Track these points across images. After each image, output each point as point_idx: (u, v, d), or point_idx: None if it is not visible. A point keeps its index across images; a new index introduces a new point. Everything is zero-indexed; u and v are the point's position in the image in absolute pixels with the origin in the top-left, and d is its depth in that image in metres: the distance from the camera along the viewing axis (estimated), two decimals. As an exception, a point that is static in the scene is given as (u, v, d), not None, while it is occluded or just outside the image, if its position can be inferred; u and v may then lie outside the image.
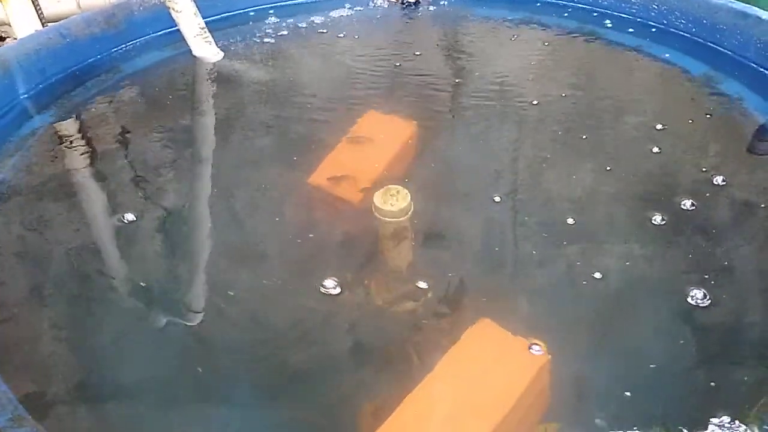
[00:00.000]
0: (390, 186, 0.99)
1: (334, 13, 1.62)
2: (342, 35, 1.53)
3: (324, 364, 0.79)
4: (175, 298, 0.88)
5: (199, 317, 0.84)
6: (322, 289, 0.87)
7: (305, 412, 0.74)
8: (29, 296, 0.86)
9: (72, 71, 1.34)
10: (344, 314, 0.86)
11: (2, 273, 0.89)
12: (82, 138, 1.22)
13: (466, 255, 0.95)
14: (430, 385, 0.73)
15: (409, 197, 0.97)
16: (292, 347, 0.82)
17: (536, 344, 0.77)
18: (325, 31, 1.56)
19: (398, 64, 1.43)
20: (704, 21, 1.39)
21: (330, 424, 0.73)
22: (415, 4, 1.66)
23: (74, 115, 1.25)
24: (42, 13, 1.43)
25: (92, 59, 1.37)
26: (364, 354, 0.80)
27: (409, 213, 0.98)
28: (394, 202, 0.97)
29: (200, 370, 0.77)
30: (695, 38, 1.41)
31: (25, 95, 1.25)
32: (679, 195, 1.02)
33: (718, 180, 1.05)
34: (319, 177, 1.08)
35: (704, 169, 1.09)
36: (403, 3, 1.67)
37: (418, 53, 1.47)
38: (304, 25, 1.58)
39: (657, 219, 0.97)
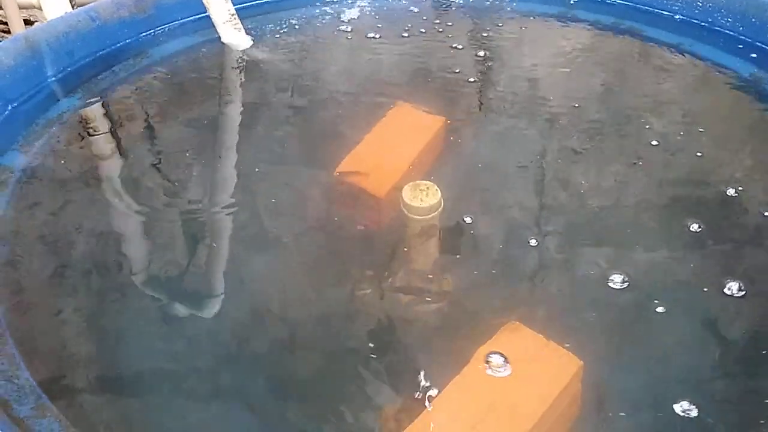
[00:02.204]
0: (419, 181, 0.96)
1: (366, 4, 1.59)
2: (373, 27, 1.51)
3: (347, 362, 0.78)
4: (197, 288, 0.86)
5: (220, 308, 0.83)
6: (347, 286, 0.85)
7: (328, 411, 0.72)
8: (52, 282, 0.85)
9: (100, 55, 1.33)
10: (369, 312, 0.84)
11: (27, 258, 0.88)
12: (108, 122, 1.22)
13: (496, 256, 0.92)
14: (458, 387, 0.71)
15: (440, 194, 0.94)
16: (314, 344, 0.80)
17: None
18: (356, 22, 1.53)
19: (428, 58, 1.40)
20: (753, 19, 1.33)
21: (354, 423, 0.71)
22: None
23: (101, 99, 1.25)
24: (72, -5, 1.42)
25: (120, 43, 1.36)
26: (388, 353, 0.78)
27: (439, 210, 0.95)
28: (424, 197, 0.94)
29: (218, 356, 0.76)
30: (742, 37, 1.36)
31: (53, 78, 1.24)
32: (717, 198, 0.98)
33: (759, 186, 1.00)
34: (345, 169, 1.06)
35: (747, 174, 1.04)
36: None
37: (449, 47, 1.44)
38: (335, 15, 1.56)
39: (693, 226, 0.93)
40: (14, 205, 0.95)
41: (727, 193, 1.00)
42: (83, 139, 1.15)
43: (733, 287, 0.83)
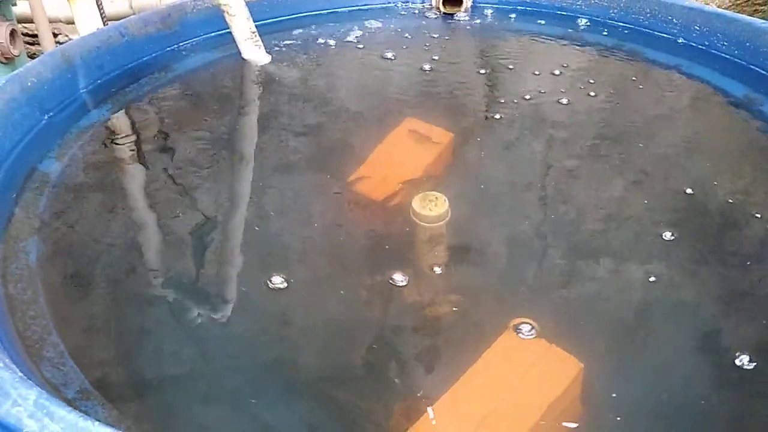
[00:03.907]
0: (428, 192, 1.03)
1: (379, 22, 1.66)
2: (384, 45, 1.57)
3: (354, 364, 0.82)
4: (213, 293, 0.91)
5: (235, 314, 0.88)
6: (359, 290, 0.90)
7: (334, 412, 0.76)
8: (86, 280, 0.91)
9: (128, 68, 1.39)
10: (379, 315, 0.88)
11: (64, 257, 0.94)
12: (134, 132, 1.28)
13: (500, 263, 0.97)
14: (461, 390, 0.75)
15: (447, 203, 1.00)
16: (323, 348, 0.84)
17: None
18: (367, 40, 1.60)
19: (438, 74, 1.46)
20: (747, 44, 1.39)
21: (360, 424, 0.75)
22: (448, 14, 1.70)
23: (128, 111, 1.31)
24: (104, 12, 1.50)
25: (147, 57, 1.43)
26: (395, 356, 0.82)
27: (447, 219, 1.01)
28: (433, 207, 1.00)
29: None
30: (736, 60, 1.41)
31: (85, 90, 1.31)
32: (710, 215, 1.03)
33: (754, 205, 1.05)
34: (357, 180, 1.11)
35: (741, 195, 1.09)
36: (442, 11, 1.71)
37: (457, 65, 1.50)
38: (348, 33, 1.62)
39: (690, 239, 0.98)
40: (51, 208, 1.01)
41: (723, 207, 1.05)
42: (111, 147, 1.21)
43: (733, 299, 0.87)
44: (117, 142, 1.23)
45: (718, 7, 2.38)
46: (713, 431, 0.75)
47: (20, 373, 0.56)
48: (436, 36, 1.64)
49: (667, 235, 0.98)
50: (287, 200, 1.11)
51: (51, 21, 1.95)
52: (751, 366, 0.78)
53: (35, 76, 1.18)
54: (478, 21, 1.69)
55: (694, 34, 1.49)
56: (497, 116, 1.32)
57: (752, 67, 1.38)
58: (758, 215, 1.03)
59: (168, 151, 1.23)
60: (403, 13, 1.71)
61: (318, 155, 1.22)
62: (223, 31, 1.49)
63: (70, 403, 0.66)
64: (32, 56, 2.12)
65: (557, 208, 1.08)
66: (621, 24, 1.59)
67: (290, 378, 0.80)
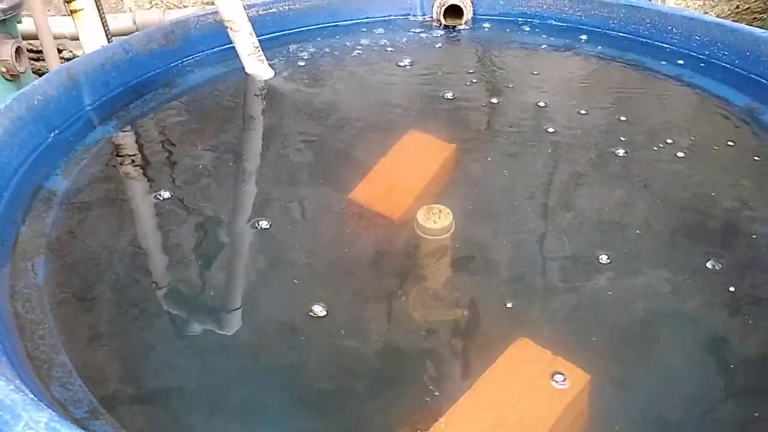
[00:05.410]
0: (432, 204, 1.03)
1: (380, 36, 1.68)
2: (387, 57, 1.59)
3: (359, 378, 0.82)
4: (218, 305, 0.91)
5: (238, 324, 0.88)
6: (363, 304, 0.90)
7: (338, 428, 0.76)
8: (92, 295, 0.91)
9: (132, 85, 1.41)
10: (383, 328, 0.88)
11: (70, 273, 0.94)
12: (139, 148, 1.29)
13: (504, 275, 0.97)
14: (468, 403, 0.75)
15: (451, 216, 1.01)
16: (328, 361, 0.84)
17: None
18: (370, 53, 1.61)
19: (440, 87, 1.47)
20: (747, 53, 1.40)
21: None
22: (449, 27, 1.71)
23: (133, 127, 1.32)
24: (108, 29, 1.52)
25: (151, 74, 1.45)
26: (400, 370, 0.82)
27: (451, 231, 1.01)
28: (437, 219, 1.01)
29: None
30: (737, 70, 1.42)
31: (90, 107, 1.32)
32: (711, 226, 1.03)
33: (752, 212, 1.05)
34: (361, 193, 1.12)
35: (748, 204, 1.09)
36: (443, 24, 1.72)
37: (458, 77, 1.51)
38: (350, 46, 1.64)
39: (695, 248, 0.98)
40: (58, 225, 1.02)
41: (726, 217, 1.05)
42: (117, 164, 1.22)
43: (741, 307, 0.87)
44: (123, 158, 1.24)
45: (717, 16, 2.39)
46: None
47: (31, 395, 0.56)
48: (437, 48, 1.65)
49: (672, 242, 0.99)
50: (291, 214, 1.11)
51: (56, 37, 1.98)
52: None
53: (41, 95, 1.19)
54: (478, 33, 1.71)
55: (694, 44, 1.50)
56: (499, 127, 1.33)
57: (753, 76, 1.38)
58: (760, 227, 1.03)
59: (173, 166, 1.24)
60: (404, 26, 1.72)
61: (322, 169, 1.23)
62: (227, 47, 1.50)
63: (80, 423, 0.66)
64: (37, 72, 2.15)
65: (561, 217, 1.08)
66: (622, 34, 1.61)
67: (302, 393, 0.80)
